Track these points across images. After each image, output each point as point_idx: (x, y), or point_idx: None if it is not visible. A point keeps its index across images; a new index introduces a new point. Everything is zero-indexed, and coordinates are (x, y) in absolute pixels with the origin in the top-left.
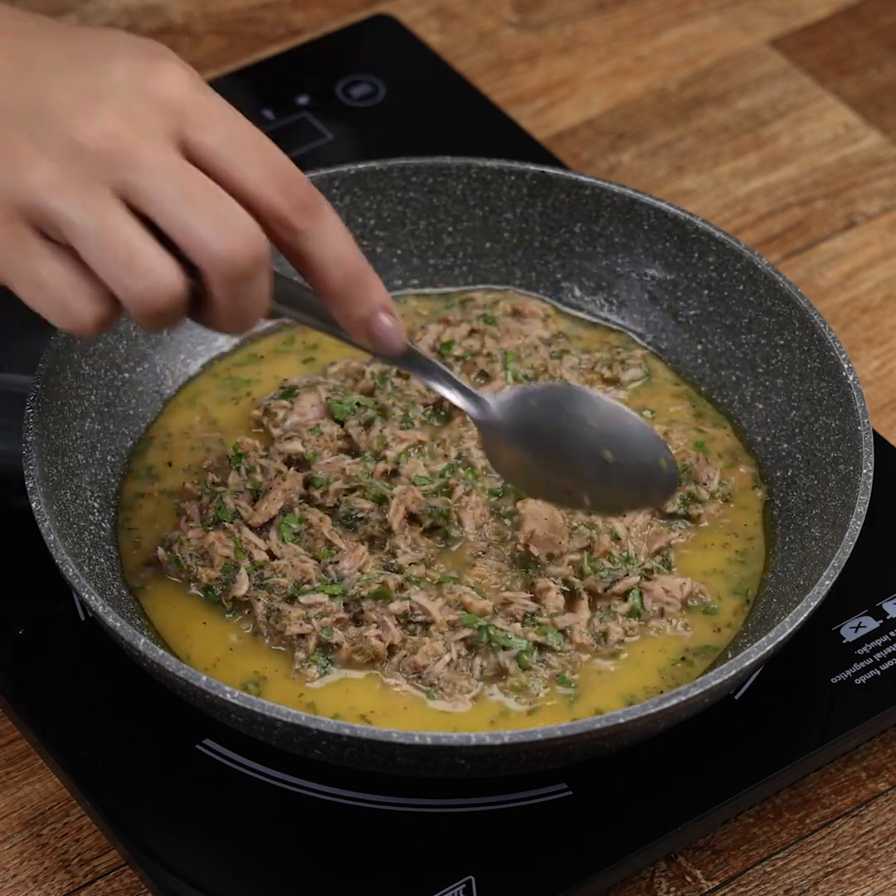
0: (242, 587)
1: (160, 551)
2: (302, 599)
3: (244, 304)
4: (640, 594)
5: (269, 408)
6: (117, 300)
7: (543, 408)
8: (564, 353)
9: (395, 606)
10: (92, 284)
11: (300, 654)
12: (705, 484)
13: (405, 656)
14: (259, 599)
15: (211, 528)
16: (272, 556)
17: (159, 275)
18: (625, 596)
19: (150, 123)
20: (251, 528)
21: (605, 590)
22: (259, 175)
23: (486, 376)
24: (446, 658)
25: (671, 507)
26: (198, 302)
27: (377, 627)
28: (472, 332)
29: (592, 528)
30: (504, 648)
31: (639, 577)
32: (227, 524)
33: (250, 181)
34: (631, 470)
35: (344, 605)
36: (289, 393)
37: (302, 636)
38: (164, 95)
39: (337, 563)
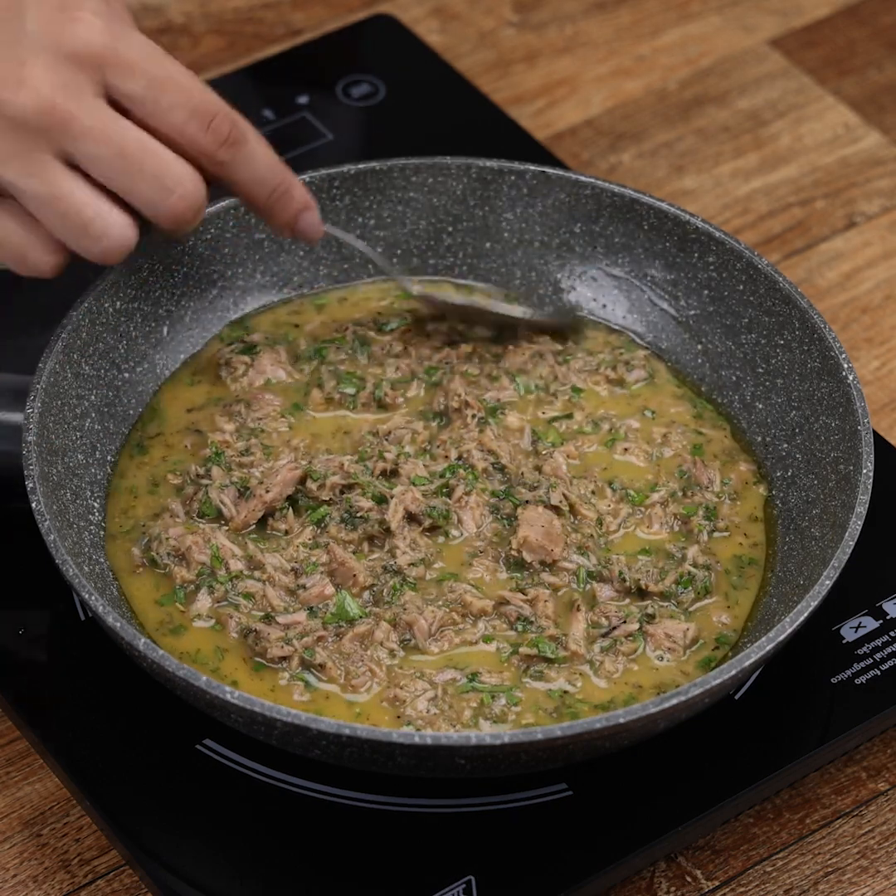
0: (203, 606)
1: (135, 550)
2: (279, 619)
3: (186, 230)
4: (643, 637)
5: (229, 360)
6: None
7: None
8: (570, 358)
9: (361, 628)
10: (47, 239)
11: (284, 674)
12: (708, 487)
13: (387, 688)
14: (231, 616)
15: (195, 520)
16: (251, 564)
17: (114, 234)
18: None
19: (79, 84)
20: (240, 525)
21: (605, 635)
22: (181, 117)
23: (494, 379)
24: (429, 694)
25: (698, 529)
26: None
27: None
28: (472, 352)
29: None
30: (492, 697)
31: (638, 624)
32: (204, 527)
33: (173, 124)
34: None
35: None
36: (249, 349)
37: (284, 658)
38: (83, 48)
39: (305, 587)
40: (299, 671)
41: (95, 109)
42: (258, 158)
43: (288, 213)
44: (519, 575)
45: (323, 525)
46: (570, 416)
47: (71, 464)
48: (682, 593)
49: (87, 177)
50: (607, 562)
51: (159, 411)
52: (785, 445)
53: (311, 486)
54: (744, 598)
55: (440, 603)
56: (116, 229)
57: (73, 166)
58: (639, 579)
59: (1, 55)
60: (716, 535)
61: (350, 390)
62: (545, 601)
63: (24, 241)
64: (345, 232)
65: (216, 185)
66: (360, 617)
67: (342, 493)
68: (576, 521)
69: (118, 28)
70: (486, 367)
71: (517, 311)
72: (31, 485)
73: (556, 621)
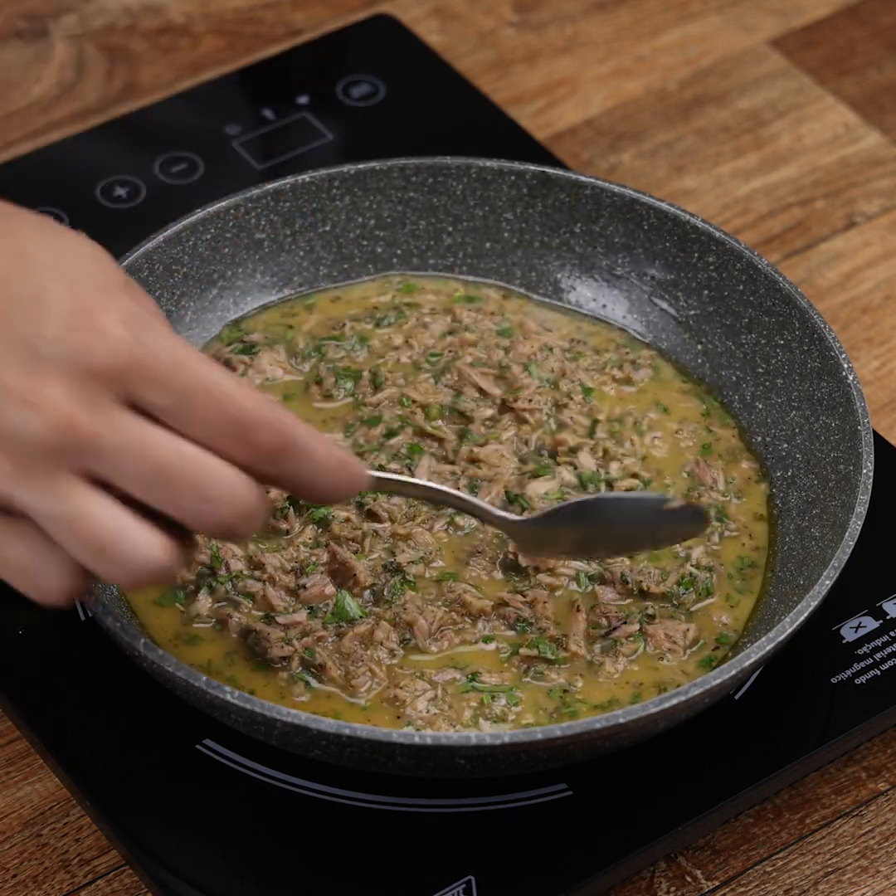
0: (203, 606)
1: None
2: (280, 619)
3: (244, 536)
4: (643, 637)
5: (229, 360)
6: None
7: (570, 519)
8: (580, 356)
9: (361, 628)
10: (64, 563)
11: (284, 675)
12: (712, 486)
13: (387, 688)
14: (231, 616)
15: None
16: (251, 564)
17: (140, 557)
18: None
19: (98, 398)
20: None
21: (605, 635)
22: (214, 432)
23: (504, 381)
24: (429, 694)
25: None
26: None
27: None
28: (475, 343)
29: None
30: (492, 697)
31: (638, 625)
32: None
33: (204, 439)
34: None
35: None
36: (248, 349)
37: (284, 658)
38: (105, 364)
39: (305, 587)
40: (299, 671)
41: (121, 423)
42: (314, 462)
43: (352, 493)
44: (516, 577)
45: (324, 524)
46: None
47: None
48: (683, 594)
49: (112, 494)
50: (610, 563)
51: None
52: (785, 445)
53: None
54: (745, 599)
55: (440, 603)
56: (144, 550)
57: (96, 482)
58: (640, 581)
59: (13, 364)
60: (726, 534)
61: (349, 385)
62: (544, 602)
63: (32, 565)
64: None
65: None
66: (360, 617)
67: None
68: None
69: (145, 335)
70: (494, 354)
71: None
72: None
73: (556, 622)
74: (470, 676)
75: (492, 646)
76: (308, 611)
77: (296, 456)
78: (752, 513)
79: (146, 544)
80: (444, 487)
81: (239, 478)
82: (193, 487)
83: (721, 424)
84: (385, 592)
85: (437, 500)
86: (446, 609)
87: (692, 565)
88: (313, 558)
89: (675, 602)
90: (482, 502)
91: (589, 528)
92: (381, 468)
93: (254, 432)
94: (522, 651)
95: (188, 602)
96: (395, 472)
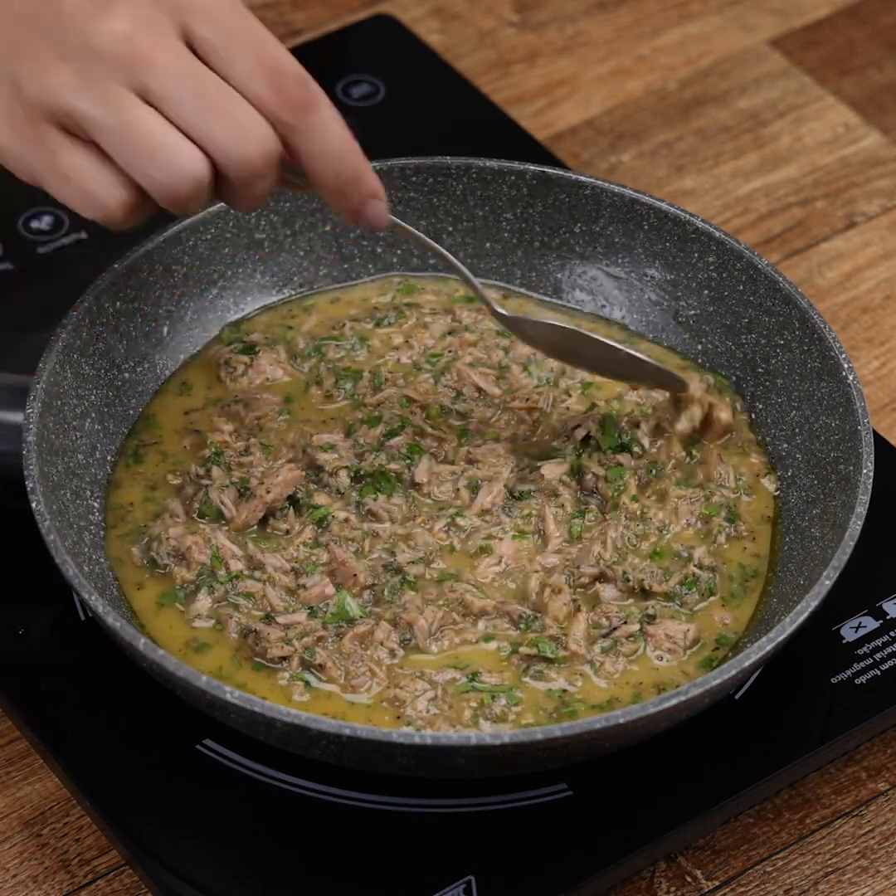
0: (203, 606)
1: (135, 550)
2: (279, 619)
3: (257, 190)
4: (644, 637)
5: (229, 360)
6: (142, 188)
7: (557, 336)
8: None
9: (361, 628)
10: (116, 173)
11: (284, 675)
12: (722, 482)
13: (387, 688)
14: (231, 616)
15: (195, 520)
16: (251, 564)
17: (183, 163)
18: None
19: (159, 23)
20: (237, 525)
21: (605, 635)
22: (249, 68)
23: (506, 382)
24: (429, 694)
25: (717, 530)
26: (217, 182)
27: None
28: (475, 343)
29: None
30: (492, 697)
31: (638, 625)
32: (204, 526)
33: (242, 75)
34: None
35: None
36: (249, 349)
37: (284, 658)
38: None
39: (305, 587)
40: (299, 671)
41: (174, 48)
42: (330, 132)
43: (356, 198)
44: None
45: (324, 525)
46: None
47: (71, 464)
48: (686, 594)
49: (160, 113)
50: (612, 562)
51: (155, 417)
52: (785, 445)
53: (324, 476)
54: (746, 600)
55: (440, 602)
56: (186, 157)
57: (148, 102)
58: (643, 579)
59: None
60: (733, 536)
61: (349, 386)
62: (563, 603)
63: (91, 176)
64: (414, 228)
65: (286, 159)
66: (361, 617)
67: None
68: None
69: None
70: (493, 354)
71: (622, 349)
72: (31, 485)
73: (558, 620)
74: (470, 676)
75: (492, 645)
76: (308, 611)
77: (316, 116)
78: (759, 515)
79: (189, 152)
80: (456, 261)
81: (267, 124)
82: (230, 117)
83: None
84: (385, 593)
85: (430, 248)
86: (447, 609)
87: (695, 565)
88: (313, 558)
89: (678, 602)
90: (478, 284)
91: (572, 347)
92: (381, 468)
93: (287, 79)
94: (522, 649)
95: (188, 602)
96: (395, 470)
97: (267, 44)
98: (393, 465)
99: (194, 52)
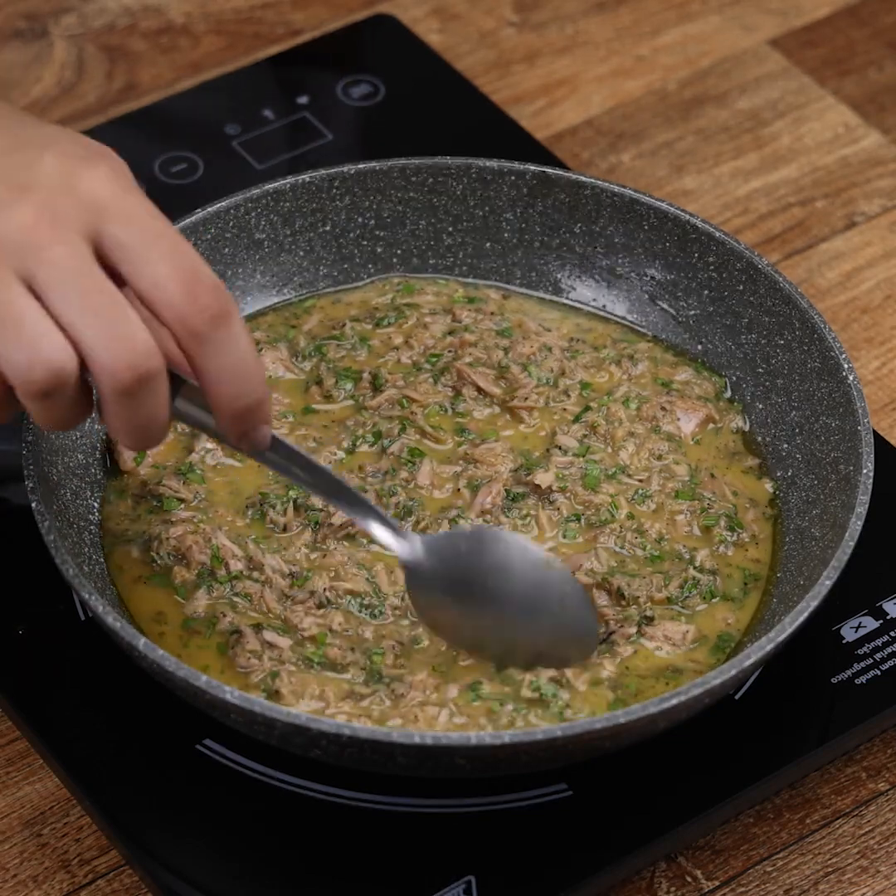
0: (200, 606)
1: (135, 550)
2: (266, 635)
3: (134, 417)
4: (640, 638)
5: None
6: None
7: (470, 553)
8: (578, 354)
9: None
10: None
11: (250, 679)
12: (710, 506)
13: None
14: (225, 615)
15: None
16: (251, 565)
17: (44, 348)
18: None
19: (68, 219)
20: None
21: (603, 640)
22: (165, 272)
23: (506, 382)
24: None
25: (719, 539)
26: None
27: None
28: (475, 343)
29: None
30: (500, 704)
31: (636, 628)
32: (204, 527)
33: (154, 278)
34: (552, 626)
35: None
36: None
37: (248, 670)
38: (89, 192)
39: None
40: (261, 682)
41: (72, 243)
42: (238, 347)
43: (249, 423)
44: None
45: (318, 529)
46: (588, 409)
47: (71, 464)
48: (686, 598)
49: (42, 304)
50: (606, 575)
51: None
52: (785, 445)
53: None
54: (747, 601)
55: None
56: (49, 344)
57: (33, 290)
58: (638, 597)
59: (11, 183)
60: (735, 543)
61: (349, 386)
62: None
63: None
64: (295, 444)
65: (184, 376)
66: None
67: None
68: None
69: (130, 185)
70: (493, 354)
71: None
72: (31, 485)
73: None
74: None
75: (479, 703)
76: (296, 640)
77: (227, 330)
78: (759, 514)
79: (54, 340)
80: (343, 480)
81: (151, 340)
82: (110, 320)
83: (728, 410)
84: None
85: (328, 494)
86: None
87: (696, 569)
88: (308, 573)
89: (679, 605)
90: (381, 512)
91: (481, 575)
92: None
93: (202, 287)
94: (524, 693)
95: (188, 599)
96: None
97: (184, 251)
98: (403, 474)
99: (105, 253)
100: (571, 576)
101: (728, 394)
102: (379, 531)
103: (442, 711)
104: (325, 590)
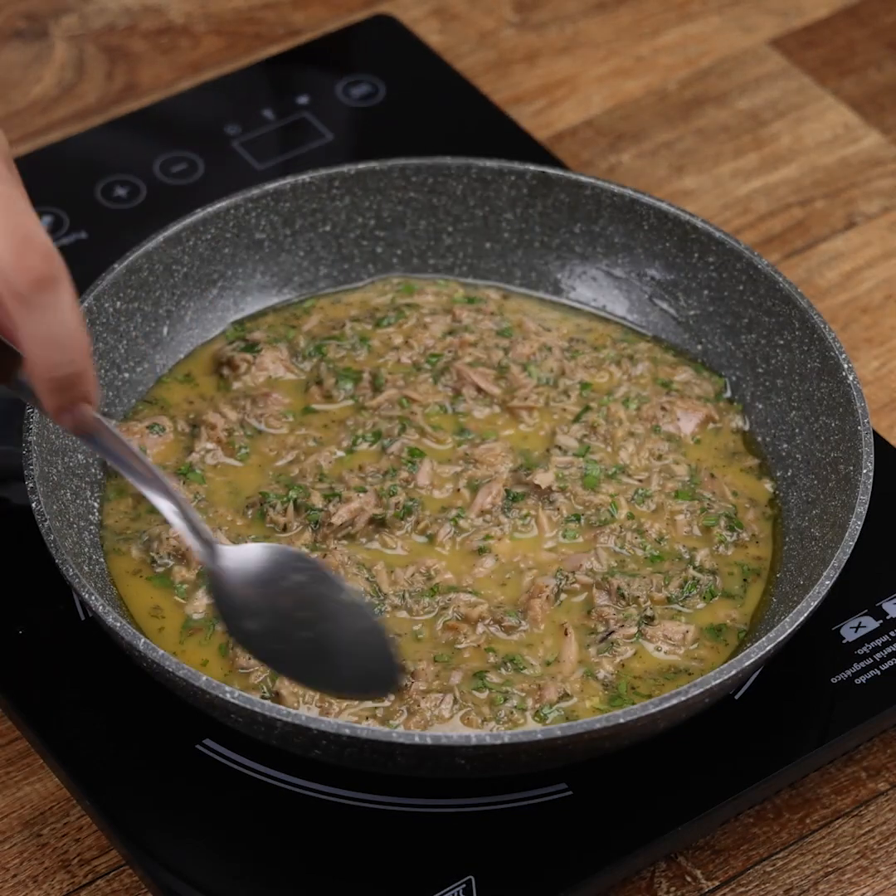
0: (200, 606)
1: (134, 550)
2: None
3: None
4: (640, 638)
5: (231, 358)
6: None
7: (275, 569)
8: (578, 354)
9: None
10: None
11: (251, 680)
12: (710, 506)
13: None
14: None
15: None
16: None
17: None
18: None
19: None
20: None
21: (602, 639)
22: None
23: (506, 382)
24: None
25: (719, 539)
26: None
27: None
28: (475, 343)
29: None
30: (505, 699)
31: (636, 628)
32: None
33: None
34: (351, 657)
35: None
36: (251, 347)
37: (248, 670)
38: None
39: None
40: (261, 683)
41: None
42: (61, 316)
43: (68, 397)
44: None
45: (318, 529)
46: (588, 409)
47: (71, 464)
48: (687, 598)
49: None
50: (605, 575)
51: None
52: (785, 445)
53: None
54: (749, 597)
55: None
56: None
57: None
58: (638, 597)
59: None
60: (735, 543)
61: (349, 386)
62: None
63: None
64: (122, 436)
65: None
66: None
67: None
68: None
69: None
70: (493, 354)
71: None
72: (31, 485)
73: (536, 622)
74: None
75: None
76: None
77: (52, 295)
78: (759, 514)
79: None
80: (163, 476)
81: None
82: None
83: (727, 409)
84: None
85: (150, 488)
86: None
87: (696, 569)
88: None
89: (679, 604)
90: (194, 515)
91: (284, 596)
92: (361, 474)
93: (33, 249)
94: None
95: (188, 599)
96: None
97: (19, 211)
98: (403, 474)
99: None
100: (373, 613)
101: (728, 394)
102: (185, 534)
103: (445, 697)
104: None
